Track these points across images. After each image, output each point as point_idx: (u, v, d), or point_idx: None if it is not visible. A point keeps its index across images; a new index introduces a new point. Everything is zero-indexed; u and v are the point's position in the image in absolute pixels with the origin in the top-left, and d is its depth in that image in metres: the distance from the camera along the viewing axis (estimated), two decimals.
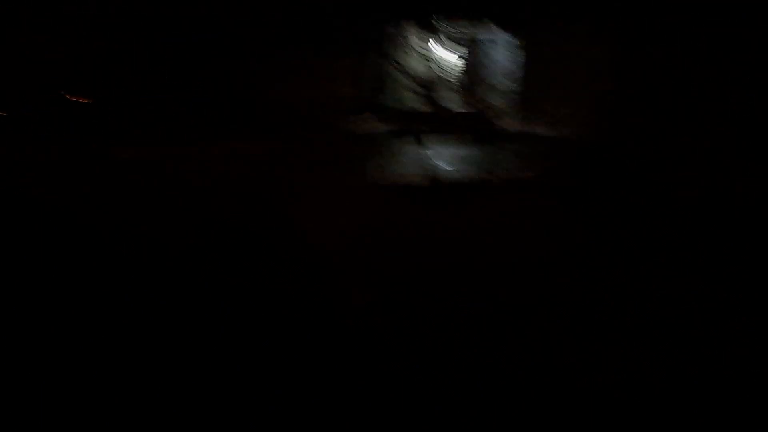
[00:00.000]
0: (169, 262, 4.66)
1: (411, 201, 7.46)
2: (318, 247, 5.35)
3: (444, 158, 10.28)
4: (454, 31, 15.07)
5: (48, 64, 13.55)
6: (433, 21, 15.06)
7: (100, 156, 10.05)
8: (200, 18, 14.30)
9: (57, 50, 13.45)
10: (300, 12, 14.59)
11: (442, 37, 15.35)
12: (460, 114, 14.34)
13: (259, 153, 10.81)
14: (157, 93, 14.09)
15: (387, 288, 4.39)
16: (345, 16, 14.93)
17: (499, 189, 8.31)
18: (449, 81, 14.79)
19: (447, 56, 15.05)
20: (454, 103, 14.48)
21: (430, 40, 15.53)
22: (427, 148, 11.72)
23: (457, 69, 14.94)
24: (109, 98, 13.57)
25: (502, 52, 15.16)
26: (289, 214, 6.61)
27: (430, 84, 15.60)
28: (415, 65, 15.73)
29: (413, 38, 15.89)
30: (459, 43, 15.07)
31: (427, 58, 15.68)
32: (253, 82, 15.13)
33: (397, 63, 16.36)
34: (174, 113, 13.75)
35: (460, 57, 14.95)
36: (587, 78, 15.91)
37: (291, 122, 14.41)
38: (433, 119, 14.51)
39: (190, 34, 14.41)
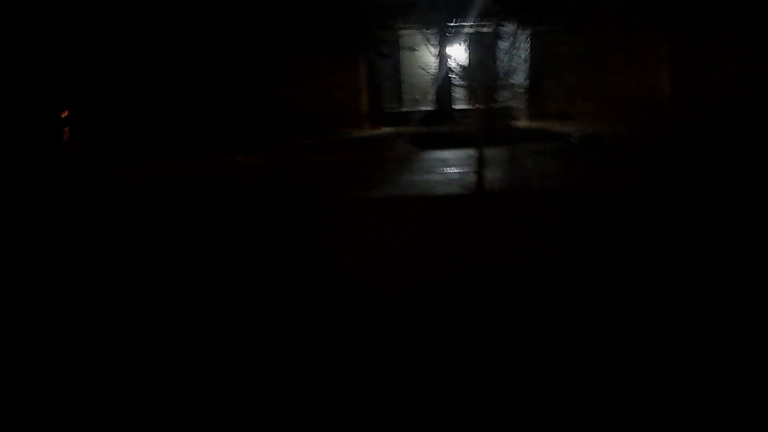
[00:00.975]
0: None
1: (429, 211, 6.76)
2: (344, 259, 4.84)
3: (458, 162, 9.59)
4: (458, 27, 14.39)
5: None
6: (435, 20, 14.42)
7: (91, 176, 9.49)
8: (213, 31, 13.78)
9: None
10: (300, 19, 14.00)
11: (446, 35, 14.70)
12: (471, 113, 13.67)
13: (274, 166, 10.26)
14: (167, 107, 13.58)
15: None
16: (344, 21, 14.35)
17: (522, 195, 7.52)
18: (456, 79, 14.14)
19: (452, 54, 14.40)
20: (462, 102, 13.83)
21: (434, 38, 14.90)
22: (440, 150, 11.07)
23: (464, 66, 14.28)
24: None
25: (511, 45, 14.46)
26: (309, 226, 6.07)
27: (435, 84, 14.96)
28: (420, 65, 15.13)
29: (417, 38, 15.29)
30: (463, 40, 14.38)
31: (431, 57, 15.04)
32: (256, 92, 14.62)
33: (401, 64, 15.76)
34: (183, 126, 13.27)
35: (465, 54, 14.30)
36: (606, 70, 15.11)
37: (299, 131, 13.86)
38: (443, 120, 13.85)
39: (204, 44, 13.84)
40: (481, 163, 7.57)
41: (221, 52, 13.93)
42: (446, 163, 9.91)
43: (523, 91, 14.29)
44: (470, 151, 8.14)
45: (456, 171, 9.06)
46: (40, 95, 12.83)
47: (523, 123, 13.95)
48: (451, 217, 6.40)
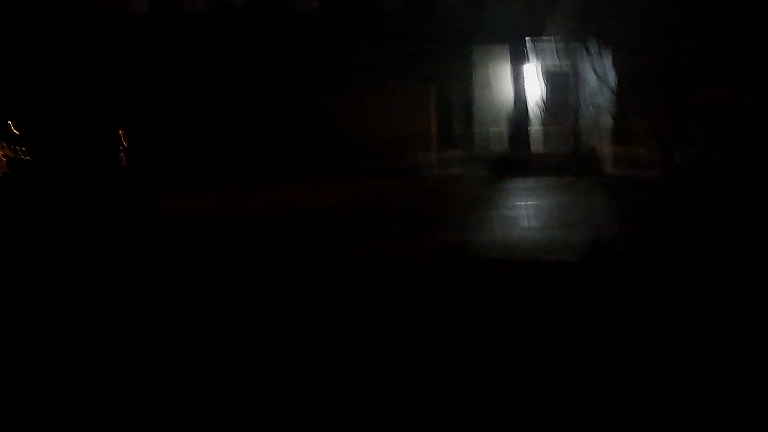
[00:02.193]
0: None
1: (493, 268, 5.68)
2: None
3: (525, 195, 8.80)
4: (543, 57, 13.69)
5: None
6: (520, 46, 13.75)
7: (140, 206, 9.33)
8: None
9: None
10: (367, 42, 13.45)
11: (531, 64, 13.95)
12: (547, 150, 12.87)
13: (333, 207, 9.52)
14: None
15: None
16: (420, 46, 13.81)
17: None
18: (536, 113, 13.39)
19: (535, 85, 13.67)
20: (540, 138, 13.07)
21: (516, 67, 14.17)
22: (510, 185, 10.33)
23: (545, 100, 13.50)
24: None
25: (593, 79, 13.52)
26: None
27: (514, 116, 14.21)
28: (498, 96, 14.42)
29: (497, 66, 14.56)
30: (548, 70, 13.68)
31: (512, 87, 14.32)
32: (316, 118, 13.91)
33: (477, 93, 14.98)
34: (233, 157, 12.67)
35: (548, 86, 13.54)
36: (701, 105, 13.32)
37: (362, 163, 13.03)
38: (519, 155, 13.02)
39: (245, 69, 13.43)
40: None
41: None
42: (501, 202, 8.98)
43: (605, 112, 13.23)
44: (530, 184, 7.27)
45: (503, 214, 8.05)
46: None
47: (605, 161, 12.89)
48: None
